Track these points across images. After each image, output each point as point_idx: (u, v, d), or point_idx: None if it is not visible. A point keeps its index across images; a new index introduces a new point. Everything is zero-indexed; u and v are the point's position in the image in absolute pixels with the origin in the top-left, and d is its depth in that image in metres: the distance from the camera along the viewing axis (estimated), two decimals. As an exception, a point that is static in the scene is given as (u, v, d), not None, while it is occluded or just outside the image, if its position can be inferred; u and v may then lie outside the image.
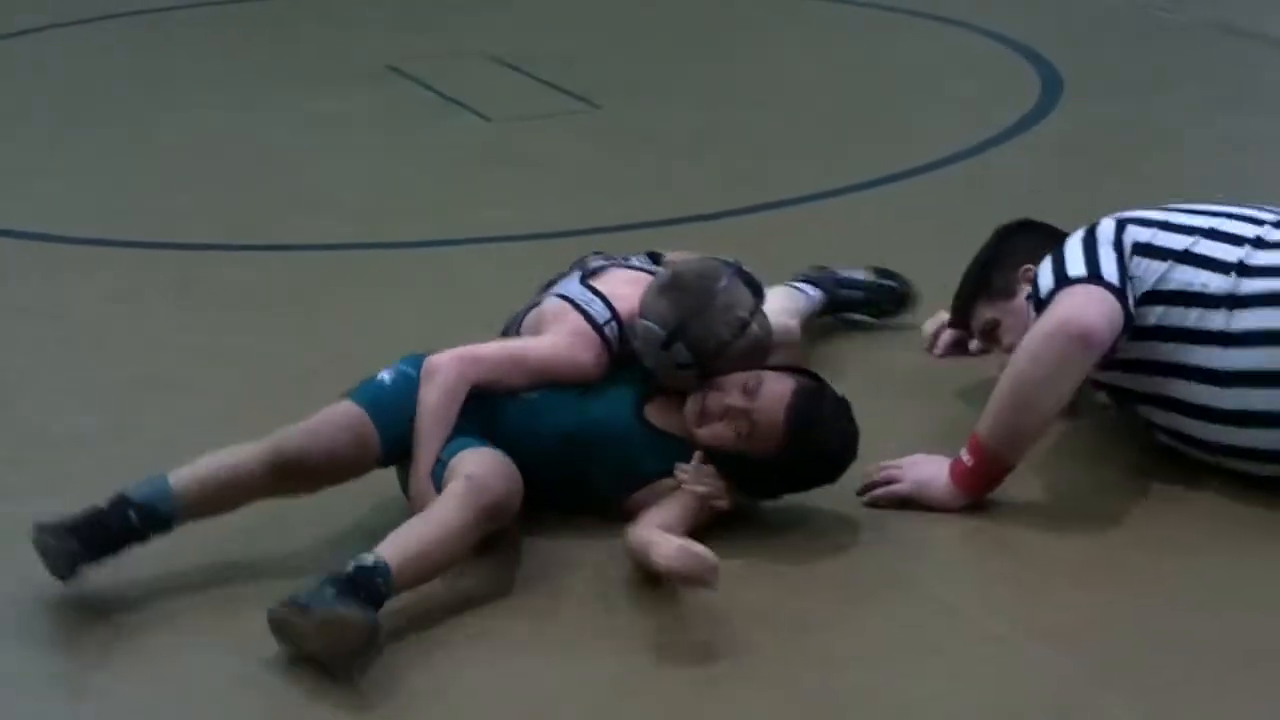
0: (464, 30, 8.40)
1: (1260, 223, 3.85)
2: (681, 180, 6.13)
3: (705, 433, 3.64)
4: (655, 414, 3.74)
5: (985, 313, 4.18)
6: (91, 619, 3.45)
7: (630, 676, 3.23)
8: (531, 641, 3.35)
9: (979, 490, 3.72)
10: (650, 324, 3.71)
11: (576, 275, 3.99)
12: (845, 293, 4.68)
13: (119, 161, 6.57)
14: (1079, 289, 3.71)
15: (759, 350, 3.73)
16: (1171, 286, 3.77)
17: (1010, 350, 3.88)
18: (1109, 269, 3.75)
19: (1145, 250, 3.81)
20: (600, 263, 4.03)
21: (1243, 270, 3.74)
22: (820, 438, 3.61)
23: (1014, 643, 3.30)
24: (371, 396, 3.71)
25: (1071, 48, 7.55)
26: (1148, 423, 3.92)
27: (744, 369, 3.67)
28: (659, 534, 3.42)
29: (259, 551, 3.64)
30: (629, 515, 3.57)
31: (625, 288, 3.88)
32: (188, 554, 3.58)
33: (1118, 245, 3.80)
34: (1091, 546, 3.64)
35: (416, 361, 3.77)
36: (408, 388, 3.71)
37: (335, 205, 5.95)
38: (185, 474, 3.55)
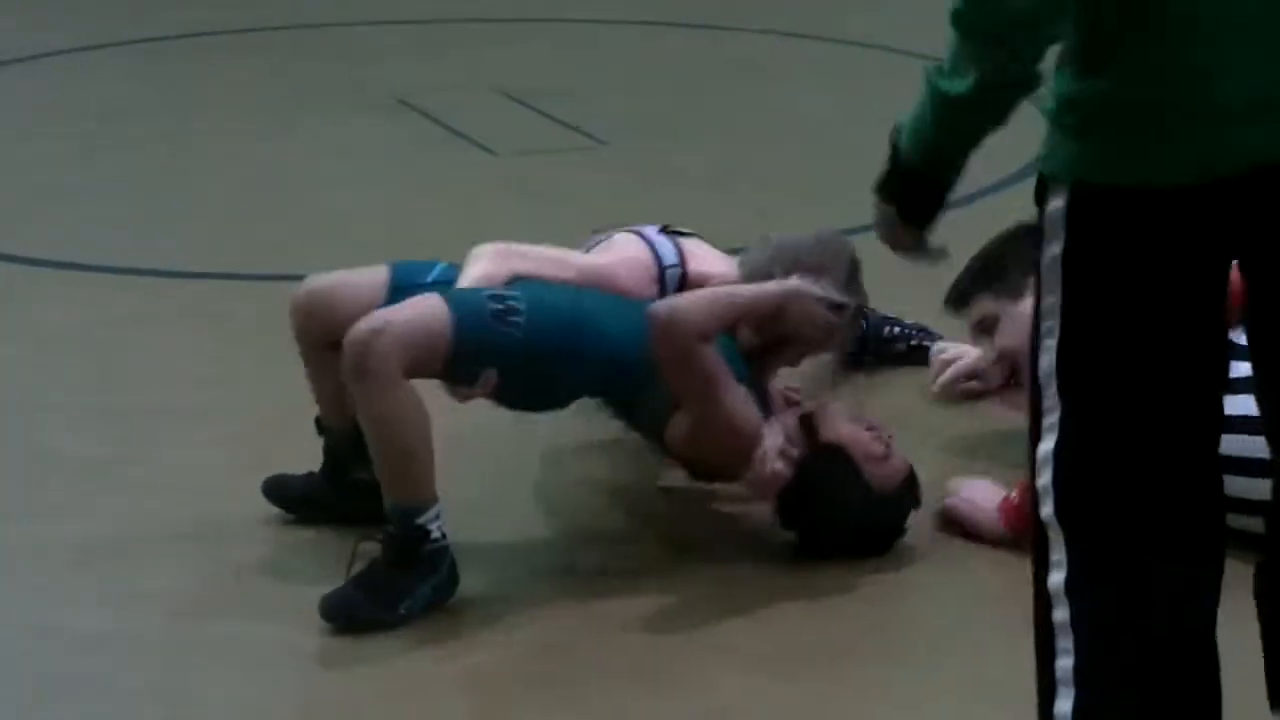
0: (472, 64, 8.46)
1: None
2: (687, 217, 6.10)
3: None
4: None
5: (988, 306, 4.18)
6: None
7: None
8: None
9: (1020, 529, 3.68)
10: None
11: (655, 227, 4.15)
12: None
13: (133, 188, 6.63)
14: None
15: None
16: None
17: (1001, 350, 3.97)
18: None
19: None
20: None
21: None
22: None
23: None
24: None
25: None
26: None
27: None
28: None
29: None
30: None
31: (705, 253, 4.09)
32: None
33: None
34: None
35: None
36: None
37: (344, 236, 6.01)
38: None
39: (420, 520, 3.46)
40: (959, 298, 4.27)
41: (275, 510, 4.00)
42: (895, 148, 2.69)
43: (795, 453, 3.66)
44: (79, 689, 3.40)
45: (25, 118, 7.69)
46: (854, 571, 3.73)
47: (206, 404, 4.62)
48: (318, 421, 3.92)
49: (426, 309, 3.59)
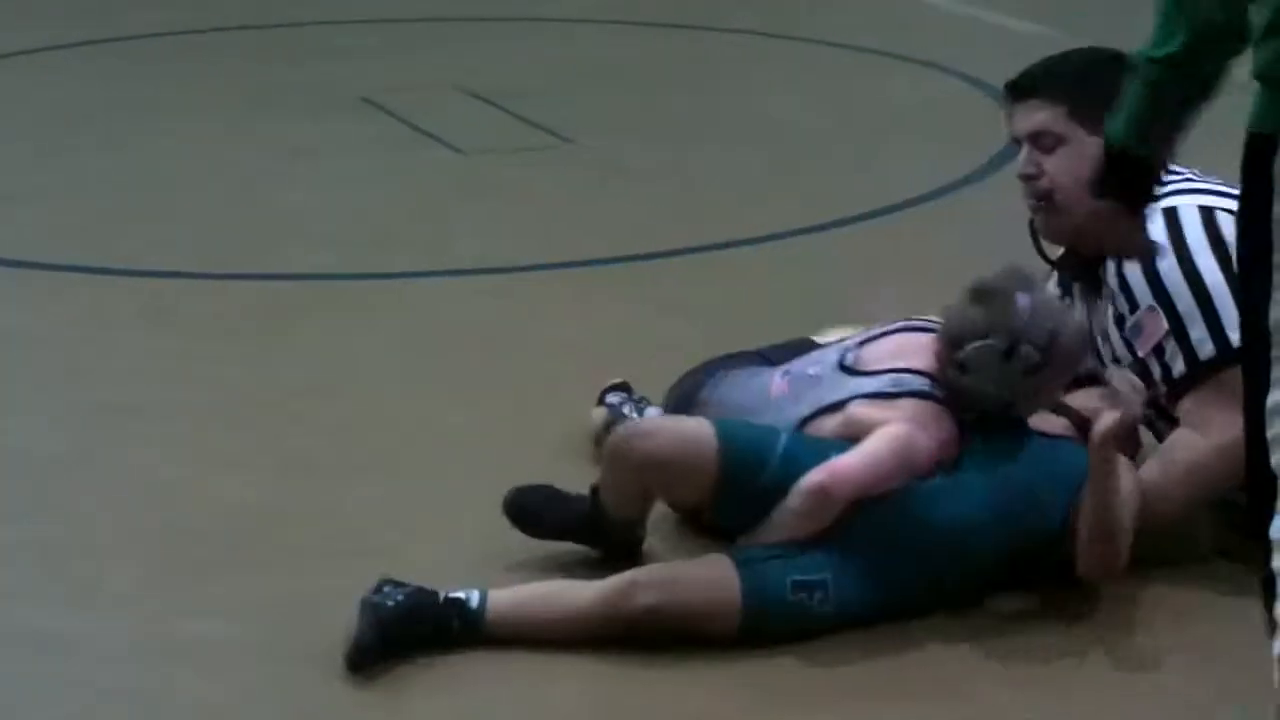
0: (437, 63, 8.43)
1: None
2: (652, 216, 6.17)
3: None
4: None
5: (1056, 121, 3.66)
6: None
7: None
8: None
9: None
10: (980, 342, 3.53)
11: (835, 367, 3.76)
12: None
13: (94, 188, 6.58)
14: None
15: (1082, 329, 3.65)
16: None
17: (1049, 188, 3.62)
18: None
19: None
20: (842, 356, 3.79)
21: None
22: None
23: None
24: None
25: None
26: None
27: (1079, 353, 3.61)
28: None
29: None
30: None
31: (893, 347, 3.72)
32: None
33: None
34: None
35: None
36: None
37: (307, 235, 5.98)
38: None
39: None
40: (1028, 87, 3.73)
41: (241, 508, 3.97)
42: (1108, 147, 2.79)
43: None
44: (45, 690, 3.35)
45: (-14, 118, 7.65)
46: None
47: (169, 402, 4.58)
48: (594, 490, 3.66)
49: (717, 580, 3.40)
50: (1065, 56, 3.79)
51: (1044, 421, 3.66)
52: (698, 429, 3.56)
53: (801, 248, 5.74)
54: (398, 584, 3.39)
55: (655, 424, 3.71)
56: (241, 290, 5.48)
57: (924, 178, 6.36)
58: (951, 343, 3.58)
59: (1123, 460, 3.54)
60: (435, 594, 3.39)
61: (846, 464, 3.48)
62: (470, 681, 3.33)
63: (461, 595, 3.38)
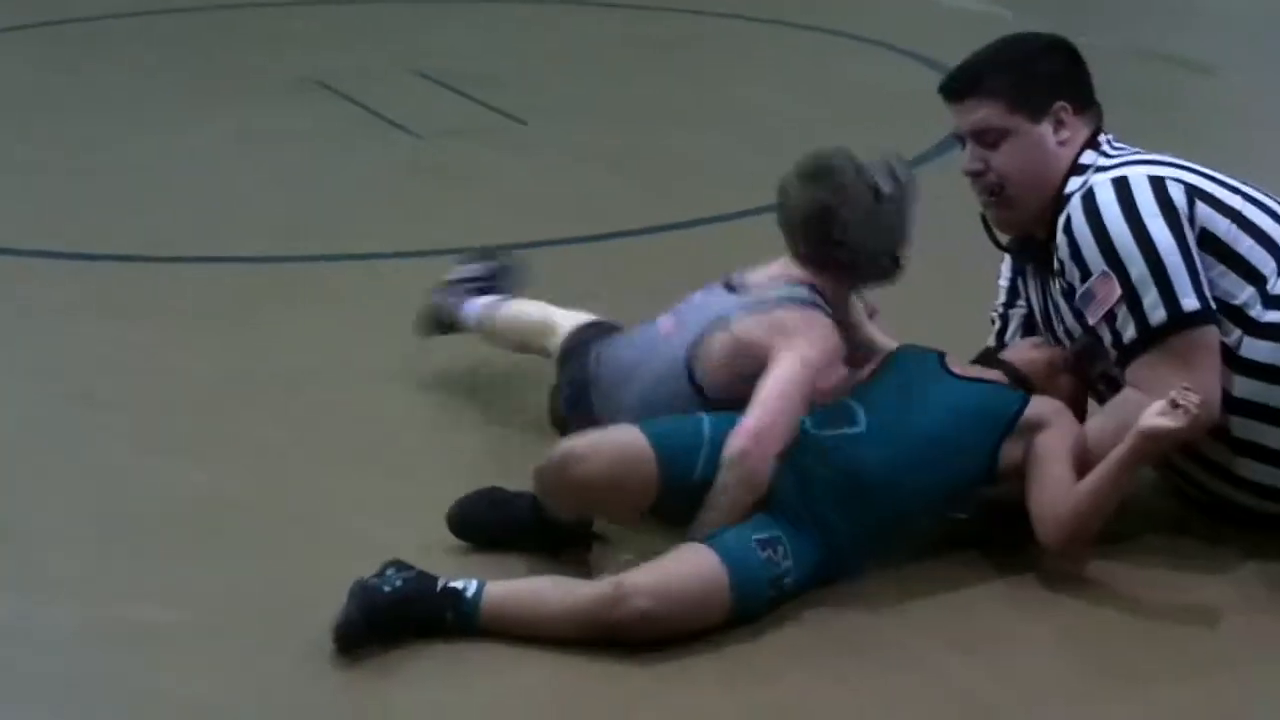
0: (393, 47, 8.40)
1: None
2: (609, 197, 6.16)
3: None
4: (958, 365, 3.70)
5: (997, 115, 3.67)
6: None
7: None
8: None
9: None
10: (848, 190, 3.72)
11: (719, 289, 3.85)
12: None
13: (43, 174, 6.54)
14: (1197, 345, 3.49)
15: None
16: (1213, 294, 3.53)
17: (998, 182, 3.65)
18: (1208, 289, 3.51)
19: (1210, 247, 3.56)
20: (726, 280, 3.88)
21: (1266, 298, 3.56)
22: None
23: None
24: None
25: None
26: None
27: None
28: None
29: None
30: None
31: (776, 270, 3.82)
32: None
33: (1192, 229, 3.53)
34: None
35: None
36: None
37: (264, 219, 5.95)
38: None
39: None
40: (967, 85, 3.72)
41: (185, 495, 3.94)
42: None
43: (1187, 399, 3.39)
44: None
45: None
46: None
47: (113, 390, 4.54)
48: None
49: (706, 570, 3.34)
50: (999, 49, 3.78)
51: (981, 373, 3.68)
52: (631, 442, 3.47)
53: (767, 226, 5.71)
54: (402, 567, 3.36)
55: (588, 446, 3.45)
56: (195, 276, 5.45)
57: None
58: (821, 216, 3.71)
59: (1066, 416, 3.59)
60: (434, 582, 3.35)
61: (758, 420, 3.49)
62: (427, 675, 3.31)
63: (459, 586, 3.34)
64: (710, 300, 3.84)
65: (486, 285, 4.51)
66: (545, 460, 3.46)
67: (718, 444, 3.48)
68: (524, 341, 4.29)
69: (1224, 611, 3.45)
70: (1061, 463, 3.52)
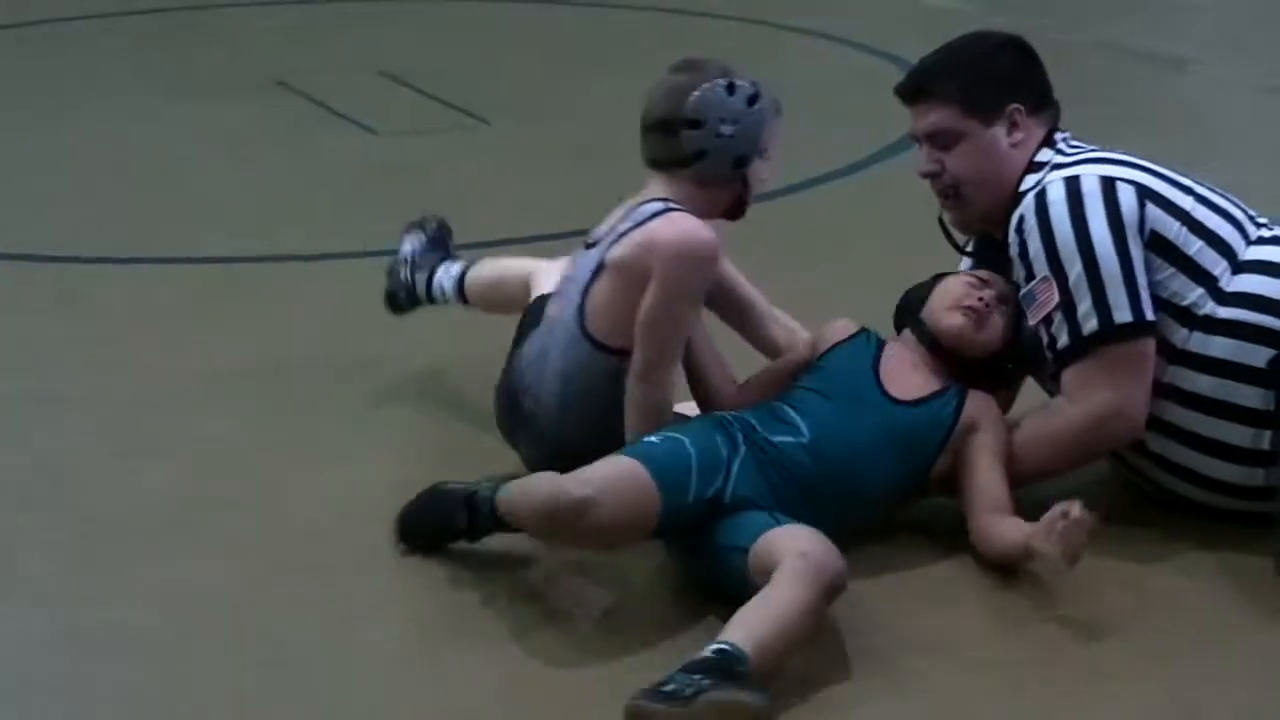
0: (353, 46, 8.39)
1: (1242, 228, 3.66)
2: (569, 195, 6.15)
3: (986, 335, 3.69)
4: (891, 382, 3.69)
5: (950, 117, 3.69)
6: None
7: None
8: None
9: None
10: (702, 88, 3.87)
11: (580, 252, 3.94)
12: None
13: (5, 174, 6.53)
14: (1126, 357, 3.52)
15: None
16: (1162, 295, 3.57)
17: (954, 183, 3.68)
18: (1147, 300, 3.52)
19: (1159, 249, 3.57)
20: (585, 242, 3.99)
21: (1219, 295, 3.58)
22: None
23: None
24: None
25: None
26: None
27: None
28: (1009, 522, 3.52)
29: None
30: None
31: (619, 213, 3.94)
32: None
33: (1139, 234, 3.54)
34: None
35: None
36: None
37: (224, 218, 5.95)
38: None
39: None
40: (918, 87, 3.76)
41: (148, 496, 3.94)
42: None
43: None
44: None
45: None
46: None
47: (78, 389, 4.54)
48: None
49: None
50: (952, 50, 3.80)
51: (917, 384, 3.69)
52: (633, 477, 3.42)
53: (730, 224, 5.71)
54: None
55: (594, 488, 3.34)
56: (159, 275, 5.44)
57: (844, 151, 6.39)
58: (676, 91, 3.90)
59: (994, 417, 3.65)
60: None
61: (634, 362, 3.70)
62: (394, 669, 3.31)
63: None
64: (579, 264, 3.90)
65: (439, 253, 4.55)
66: (553, 504, 3.32)
67: (704, 462, 3.49)
68: (511, 299, 4.30)
69: (1184, 603, 3.47)
70: (991, 469, 3.61)
